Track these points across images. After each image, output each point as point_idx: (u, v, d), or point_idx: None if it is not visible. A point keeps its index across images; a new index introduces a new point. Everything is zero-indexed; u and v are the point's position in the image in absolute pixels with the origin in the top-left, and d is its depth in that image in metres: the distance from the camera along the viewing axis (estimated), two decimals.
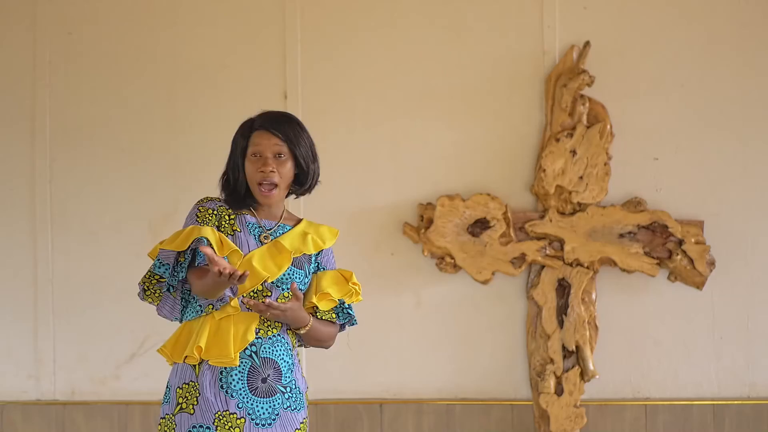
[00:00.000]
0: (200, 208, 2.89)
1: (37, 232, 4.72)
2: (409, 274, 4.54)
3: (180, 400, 2.79)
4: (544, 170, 4.39)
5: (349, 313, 2.97)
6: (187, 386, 2.79)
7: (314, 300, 2.89)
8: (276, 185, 2.86)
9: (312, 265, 2.93)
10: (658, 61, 4.45)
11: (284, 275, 2.84)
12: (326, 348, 3.00)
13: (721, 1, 4.45)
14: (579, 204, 4.41)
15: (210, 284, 2.71)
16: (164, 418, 2.81)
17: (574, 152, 4.39)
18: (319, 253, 2.95)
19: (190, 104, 4.66)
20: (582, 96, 4.39)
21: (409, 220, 4.53)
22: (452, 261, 4.43)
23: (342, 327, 3.01)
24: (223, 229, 2.85)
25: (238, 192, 2.90)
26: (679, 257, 4.32)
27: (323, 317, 2.92)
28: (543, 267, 4.42)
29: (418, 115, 4.55)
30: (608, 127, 4.41)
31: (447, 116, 4.54)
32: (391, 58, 4.58)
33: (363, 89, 4.59)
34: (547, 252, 4.40)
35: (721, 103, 4.43)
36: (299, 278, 2.87)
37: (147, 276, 2.85)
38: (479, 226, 4.42)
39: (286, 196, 2.97)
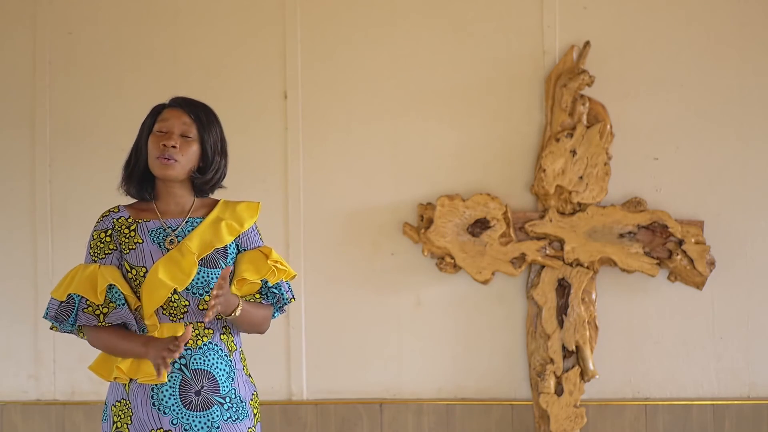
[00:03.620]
0: (94, 233, 2.76)
1: (37, 232, 4.72)
2: (409, 274, 4.54)
3: (115, 419, 2.70)
4: (544, 170, 4.39)
5: (275, 292, 2.78)
6: (120, 404, 2.70)
7: (233, 289, 2.72)
8: (176, 161, 2.70)
9: (230, 258, 2.75)
10: (658, 61, 4.46)
11: (197, 279, 2.69)
12: (262, 333, 2.83)
13: (722, 1, 4.45)
14: (579, 204, 4.41)
15: (129, 353, 2.65)
16: None
17: (574, 152, 4.39)
18: (239, 236, 2.78)
19: None
20: (582, 96, 4.39)
21: (409, 220, 4.53)
22: (452, 261, 4.43)
23: (281, 309, 2.84)
24: (123, 246, 2.71)
25: (134, 175, 2.76)
26: (679, 257, 4.32)
27: (248, 300, 2.75)
28: (543, 267, 4.42)
29: (418, 114, 4.55)
30: (608, 127, 4.41)
31: (447, 116, 4.54)
32: (390, 58, 4.58)
33: (363, 89, 4.59)
34: (547, 252, 4.40)
35: (721, 103, 4.43)
36: (216, 277, 2.70)
37: (51, 326, 2.75)
38: (479, 226, 4.42)
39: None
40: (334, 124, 4.60)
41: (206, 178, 2.77)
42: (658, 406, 4.42)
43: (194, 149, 2.74)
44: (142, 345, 2.64)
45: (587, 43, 4.45)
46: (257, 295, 2.77)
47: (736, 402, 4.40)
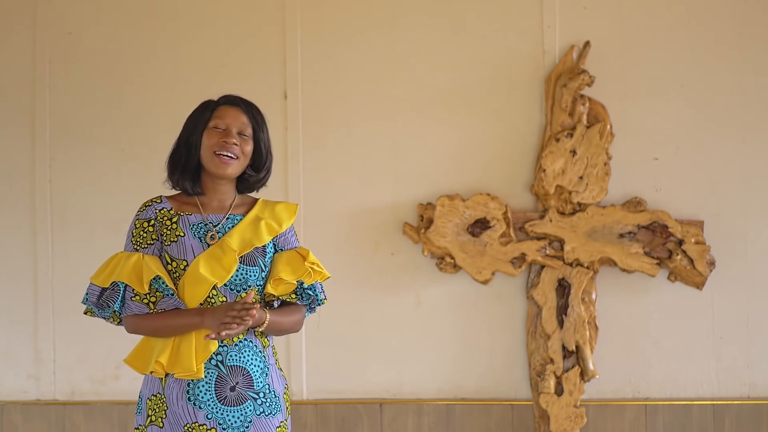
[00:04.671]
0: (136, 222, 2.79)
1: (37, 232, 4.72)
2: (409, 274, 4.54)
3: (150, 412, 2.75)
4: (544, 170, 4.39)
5: (310, 294, 2.84)
6: (155, 398, 2.75)
7: (269, 288, 2.78)
8: (236, 157, 2.77)
9: (268, 257, 2.81)
10: (658, 61, 4.46)
11: (236, 276, 2.75)
12: (296, 332, 2.90)
13: (722, 1, 4.45)
14: (579, 204, 4.41)
15: (182, 329, 2.69)
16: (137, 428, 2.78)
17: (574, 152, 4.39)
18: (277, 236, 2.84)
19: (190, 104, 4.62)
20: (582, 96, 4.40)
21: (409, 220, 4.53)
22: (452, 261, 4.43)
23: (313, 309, 2.90)
24: (165, 238, 2.75)
25: (187, 170, 2.80)
26: (679, 257, 4.32)
27: (284, 299, 2.82)
28: (543, 267, 4.42)
29: (418, 114, 4.55)
30: (608, 127, 4.41)
31: (447, 116, 4.54)
32: (391, 57, 4.58)
33: (363, 89, 4.59)
34: (547, 252, 4.40)
35: (722, 103, 4.43)
36: (254, 275, 2.77)
37: (85, 310, 2.80)
38: (479, 226, 4.42)
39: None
40: (334, 124, 4.60)
41: (260, 176, 2.86)
42: (658, 406, 4.42)
43: (250, 148, 2.81)
44: (196, 314, 2.68)
45: (587, 43, 4.45)
46: (293, 295, 2.83)
47: (736, 402, 4.40)
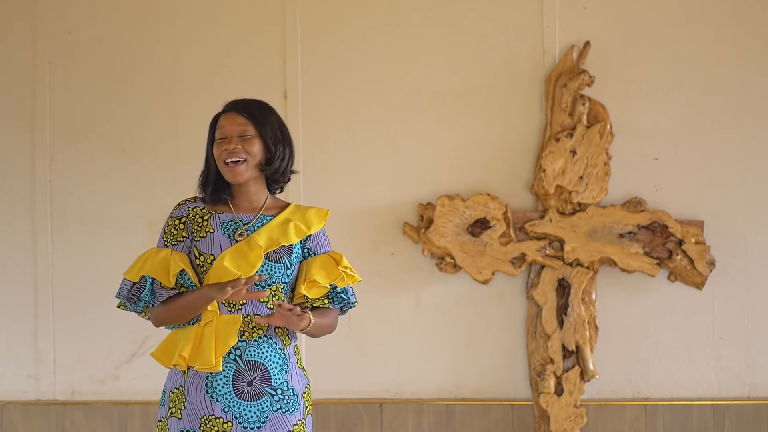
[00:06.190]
0: (169, 220, 2.87)
1: (37, 232, 4.72)
2: (409, 274, 4.54)
3: (171, 405, 2.81)
4: (544, 170, 4.39)
5: (343, 297, 2.90)
6: (177, 391, 2.80)
7: (303, 290, 2.84)
8: (243, 160, 2.80)
9: (294, 255, 2.86)
10: (658, 61, 4.46)
11: (261, 271, 2.79)
12: (330, 333, 2.96)
13: (722, 1, 4.45)
14: (579, 204, 4.41)
15: (193, 305, 2.76)
16: (160, 421, 2.83)
17: (574, 152, 4.39)
18: (307, 239, 2.89)
19: (190, 104, 4.67)
20: (582, 96, 4.40)
21: (409, 220, 4.53)
22: (452, 261, 4.43)
23: (344, 311, 2.95)
24: (195, 234, 2.82)
25: (213, 184, 2.86)
26: (679, 257, 4.32)
27: (316, 305, 2.87)
28: (543, 267, 4.42)
29: (418, 115, 4.55)
30: (608, 127, 4.41)
31: (447, 116, 4.54)
32: (391, 58, 4.58)
33: (363, 89, 4.59)
34: (547, 252, 4.40)
35: (722, 103, 4.43)
36: (279, 272, 2.82)
37: (118, 304, 2.88)
38: (479, 226, 4.42)
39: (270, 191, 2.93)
40: (334, 124, 4.60)
41: (274, 167, 2.88)
42: (658, 406, 4.43)
43: (257, 145, 2.84)
44: (203, 289, 2.76)
45: (587, 43, 4.45)
46: (326, 300, 2.89)
47: (736, 402, 4.40)
